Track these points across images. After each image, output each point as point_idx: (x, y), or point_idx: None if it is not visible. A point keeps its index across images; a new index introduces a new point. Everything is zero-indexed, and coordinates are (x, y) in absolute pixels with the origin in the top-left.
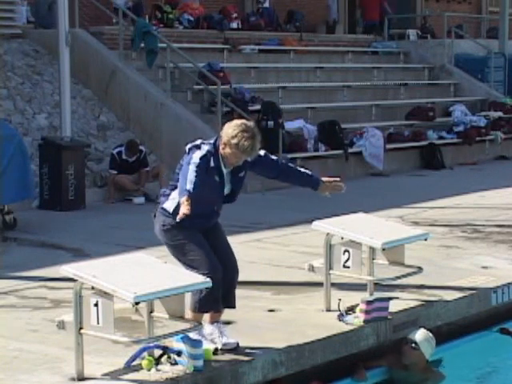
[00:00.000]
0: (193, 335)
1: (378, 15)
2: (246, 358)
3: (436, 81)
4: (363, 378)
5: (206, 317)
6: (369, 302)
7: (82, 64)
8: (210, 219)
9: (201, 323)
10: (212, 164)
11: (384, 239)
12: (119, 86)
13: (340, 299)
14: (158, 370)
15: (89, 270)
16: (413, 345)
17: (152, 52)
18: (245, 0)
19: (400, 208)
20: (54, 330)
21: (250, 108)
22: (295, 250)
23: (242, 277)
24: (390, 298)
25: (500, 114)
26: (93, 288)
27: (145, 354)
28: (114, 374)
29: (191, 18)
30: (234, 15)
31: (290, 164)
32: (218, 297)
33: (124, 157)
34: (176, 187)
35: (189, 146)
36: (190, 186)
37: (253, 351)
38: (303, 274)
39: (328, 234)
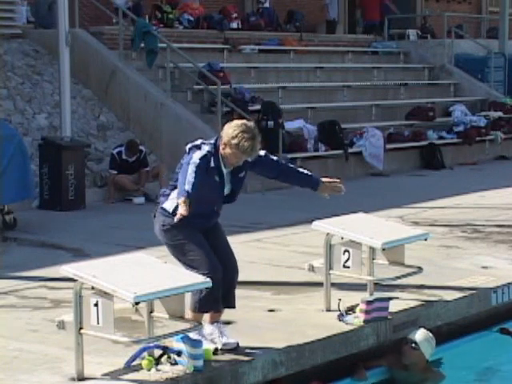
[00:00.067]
0: (193, 335)
1: (378, 15)
2: (246, 358)
3: (436, 81)
4: (363, 377)
5: (206, 317)
6: (369, 302)
7: (81, 64)
8: (210, 219)
9: (201, 323)
10: (212, 164)
11: (384, 239)
12: (119, 86)
13: (340, 299)
14: (158, 370)
15: (89, 270)
16: (413, 345)
17: (152, 52)
18: (245, 0)
19: (400, 208)
20: (54, 330)
21: (250, 108)
22: (295, 250)
23: (241, 277)
24: (390, 298)
25: (500, 114)
26: (93, 288)
27: (145, 354)
28: (113, 374)
29: (191, 18)
30: (234, 15)
31: (290, 164)
32: (218, 297)
33: (124, 157)
34: (176, 187)
35: (189, 145)
36: (188, 187)
37: (253, 351)
38: (303, 274)
39: (328, 233)
